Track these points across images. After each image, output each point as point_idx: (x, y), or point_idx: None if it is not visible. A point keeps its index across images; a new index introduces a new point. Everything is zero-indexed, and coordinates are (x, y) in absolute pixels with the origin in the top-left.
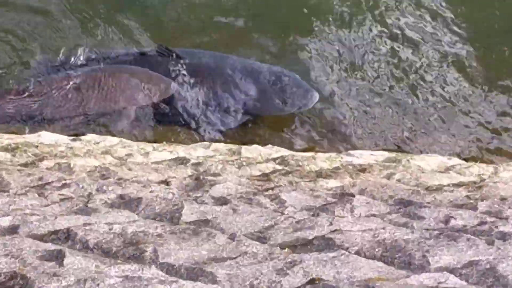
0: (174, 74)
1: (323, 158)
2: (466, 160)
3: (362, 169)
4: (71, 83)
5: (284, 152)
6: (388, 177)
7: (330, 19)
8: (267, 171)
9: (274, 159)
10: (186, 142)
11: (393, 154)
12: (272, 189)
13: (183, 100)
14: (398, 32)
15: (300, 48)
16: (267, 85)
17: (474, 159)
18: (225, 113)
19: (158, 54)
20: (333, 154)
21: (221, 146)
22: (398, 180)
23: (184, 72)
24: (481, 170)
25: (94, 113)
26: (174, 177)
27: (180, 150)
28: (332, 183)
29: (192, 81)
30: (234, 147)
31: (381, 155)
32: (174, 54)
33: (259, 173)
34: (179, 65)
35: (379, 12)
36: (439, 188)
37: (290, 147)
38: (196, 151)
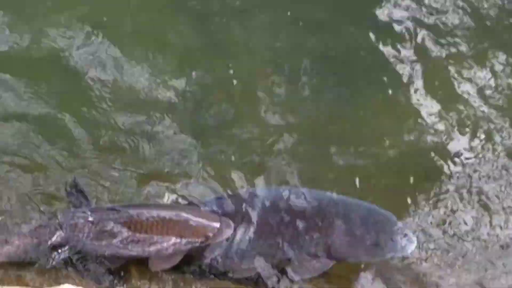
0: (237, 215)
1: None
2: None
3: None
4: (110, 218)
5: None
6: None
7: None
8: None
9: None
10: None
11: None
12: None
13: (244, 244)
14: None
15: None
16: (356, 224)
17: None
18: (303, 258)
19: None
20: None
21: None
22: None
23: (250, 211)
24: None
25: (134, 256)
26: None
27: None
28: None
29: (258, 220)
30: None
31: None
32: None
33: None
34: (244, 205)
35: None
36: None
37: None
38: None
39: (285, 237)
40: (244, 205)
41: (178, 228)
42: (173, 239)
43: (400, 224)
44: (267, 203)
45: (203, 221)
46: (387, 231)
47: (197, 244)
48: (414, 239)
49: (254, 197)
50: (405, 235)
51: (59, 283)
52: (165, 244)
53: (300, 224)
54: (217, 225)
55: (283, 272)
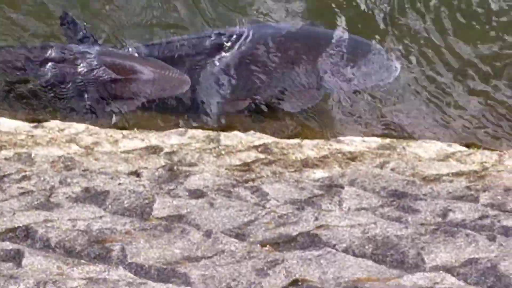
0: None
1: (310, 146)
2: (468, 146)
3: (353, 157)
4: (78, 59)
5: (267, 139)
6: (381, 166)
7: None
8: (248, 161)
9: (256, 147)
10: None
11: (387, 141)
12: (253, 180)
13: (234, 80)
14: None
15: None
16: (343, 54)
17: (477, 145)
18: (294, 91)
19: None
20: (321, 141)
21: (198, 132)
22: (392, 170)
23: (236, 48)
24: (484, 157)
25: (95, 96)
26: (146, 167)
27: (153, 138)
28: (319, 173)
29: (244, 57)
30: (212, 133)
31: (374, 141)
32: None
33: (239, 163)
34: (229, 42)
35: None
36: (437, 178)
37: (274, 133)
38: (170, 139)
39: (274, 72)
40: (229, 41)
41: (139, 79)
42: (132, 89)
43: (384, 51)
44: (252, 40)
45: (165, 74)
46: (373, 59)
47: (153, 96)
48: (398, 64)
49: (239, 34)
50: (390, 61)
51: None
52: (126, 90)
53: (287, 58)
54: (178, 79)
55: (275, 105)
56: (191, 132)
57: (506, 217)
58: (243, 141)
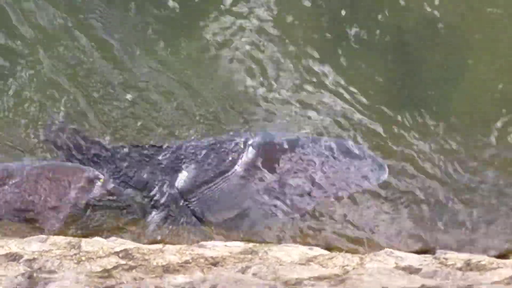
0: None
1: (172, 251)
2: (329, 249)
3: (215, 262)
4: None
5: (128, 244)
6: (243, 271)
7: None
8: (109, 267)
9: (117, 253)
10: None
11: (250, 245)
12: (113, 287)
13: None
14: None
15: None
16: (330, 160)
17: (338, 248)
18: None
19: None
20: (184, 246)
21: (59, 239)
22: (254, 274)
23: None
24: (345, 260)
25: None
26: (4, 275)
27: (13, 245)
28: (180, 278)
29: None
30: (73, 240)
31: (237, 246)
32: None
33: (99, 269)
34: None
35: None
36: (298, 282)
37: (137, 238)
38: (30, 246)
39: (269, 181)
40: (235, 152)
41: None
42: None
43: (371, 153)
44: (251, 149)
45: (82, 176)
46: (361, 163)
47: (75, 197)
48: (386, 167)
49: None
50: (378, 164)
51: None
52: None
53: (280, 167)
54: (95, 178)
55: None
56: (52, 238)
57: None
58: (104, 247)
